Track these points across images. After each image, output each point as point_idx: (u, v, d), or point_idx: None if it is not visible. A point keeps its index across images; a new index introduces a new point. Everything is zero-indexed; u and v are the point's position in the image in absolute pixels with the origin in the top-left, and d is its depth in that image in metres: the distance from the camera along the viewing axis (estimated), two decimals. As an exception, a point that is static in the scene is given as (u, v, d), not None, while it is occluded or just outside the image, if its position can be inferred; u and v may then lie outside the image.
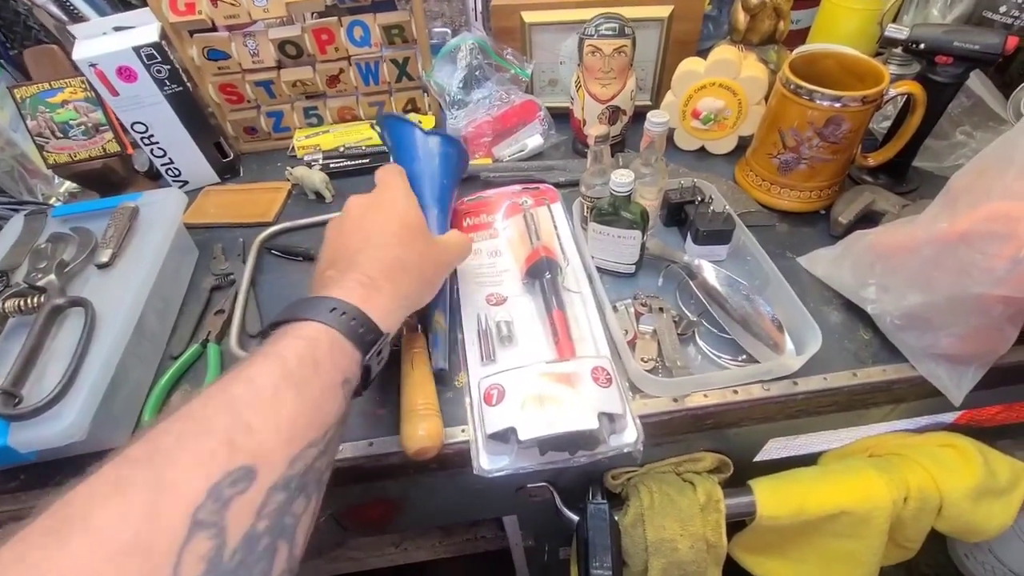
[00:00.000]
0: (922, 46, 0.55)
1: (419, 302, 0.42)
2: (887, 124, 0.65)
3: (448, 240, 0.47)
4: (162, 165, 0.71)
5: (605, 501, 0.51)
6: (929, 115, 0.57)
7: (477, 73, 0.71)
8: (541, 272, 0.53)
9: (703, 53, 0.70)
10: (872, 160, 0.61)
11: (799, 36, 0.77)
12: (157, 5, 0.64)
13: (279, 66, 0.73)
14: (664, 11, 0.67)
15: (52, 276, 0.49)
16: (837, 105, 0.53)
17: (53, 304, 0.47)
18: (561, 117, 0.74)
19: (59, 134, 0.62)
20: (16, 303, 0.47)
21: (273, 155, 0.79)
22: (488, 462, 0.42)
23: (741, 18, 0.66)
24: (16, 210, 0.69)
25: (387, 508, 0.57)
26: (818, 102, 0.54)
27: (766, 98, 0.65)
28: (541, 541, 0.73)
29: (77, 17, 0.79)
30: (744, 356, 0.49)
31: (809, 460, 0.59)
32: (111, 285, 0.51)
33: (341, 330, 0.33)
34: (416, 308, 0.42)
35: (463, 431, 0.46)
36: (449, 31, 0.87)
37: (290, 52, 0.71)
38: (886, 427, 0.57)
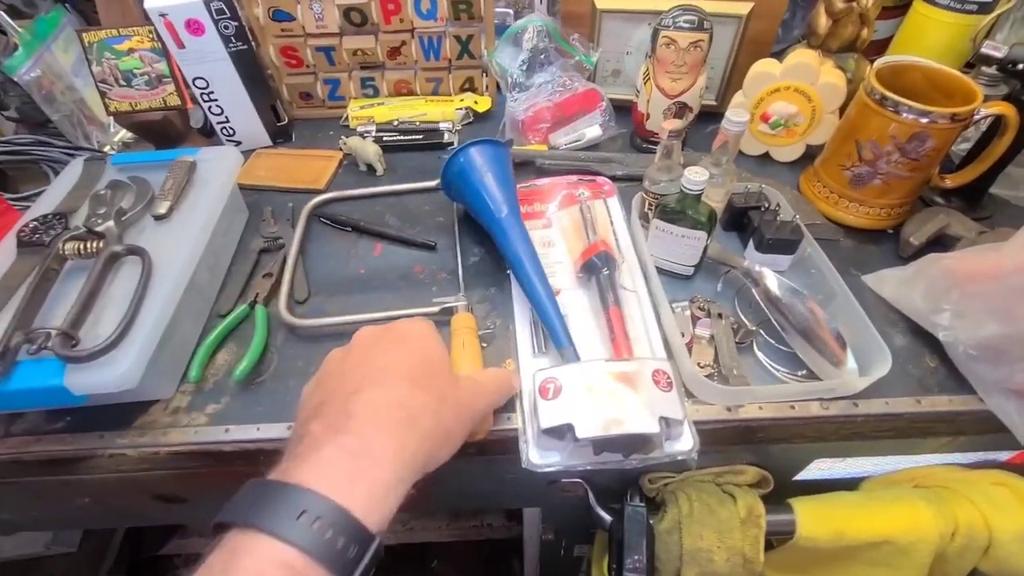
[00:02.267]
0: (1020, 66, 0.52)
1: (429, 464, 0.31)
2: (966, 145, 0.62)
3: (484, 379, 0.38)
4: (218, 123, 0.70)
5: (643, 504, 0.50)
6: (1018, 139, 0.54)
7: (541, 57, 0.70)
8: (598, 267, 0.52)
9: (774, 56, 0.68)
10: (950, 181, 0.58)
11: (877, 47, 0.74)
12: (229, -40, 0.63)
13: (341, 33, 0.72)
14: (744, 7, 0.65)
15: (111, 223, 0.49)
16: (924, 120, 0.51)
17: (111, 251, 0.47)
18: (621, 109, 0.72)
19: (122, 82, 0.62)
20: (76, 246, 0.47)
21: (326, 123, 0.78)
22: (539, 456, 0.41)
23: (823, 22, 0.64)
24: (72, 155, 0.69)
25: (419, 486, 0.56)
26: (904, 115, 0.51)
27: (841, 108, 0.63)
28: (561, 536, 0.72)
29: (145, -34, 0.79)
30: (803, 371, 0.47)
31: (850, 484, 0.57)
32: (167, 237, 0.51)
33: (312, 552, 0.23)
34: (426, 471, 0.31)
35: (508, 419, 0.45)
36: (511, 12, 0.86)
37: (354, 19, 0.70)
38: (937, 459, 0.55)
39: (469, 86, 0.78)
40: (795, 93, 0.63)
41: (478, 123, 0.77)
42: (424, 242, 0.60)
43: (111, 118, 0.73)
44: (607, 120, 0.70)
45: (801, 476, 0.56)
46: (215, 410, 0.47)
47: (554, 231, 0.60)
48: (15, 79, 0.63)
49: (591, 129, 0.70)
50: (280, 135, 0.74)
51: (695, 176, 0.46)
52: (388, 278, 0.57)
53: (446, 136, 0.73)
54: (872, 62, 0.60)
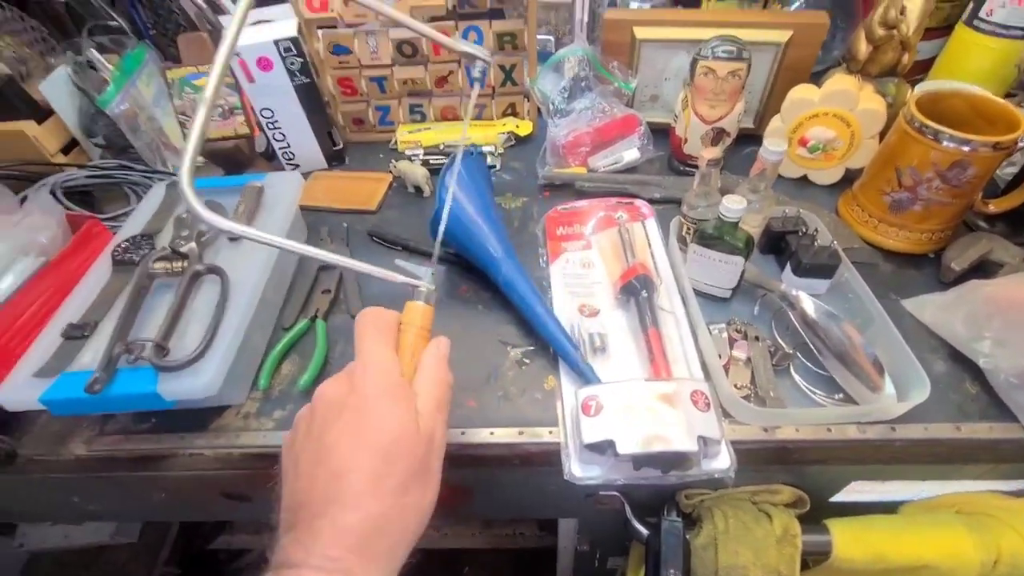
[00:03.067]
0: (1067, 93, 0.52)
1: (412, 543, 0.31)
2: (1012, 170, 0.62)
3: (432, 401, 0.34)
4: (280, 148, 0.76)
5: (680, 519, 0.51)
6: (1066, 166, 0.54)
7: (582, 84, 0.73)
8: (637, 289, 0.54)
9: (812, 78, 0.69)
10: (993, 207, 0.58)
11: (920, 67, 0.74)
12: (295, 1, 0.69)
13: (393, 64, 0.77)
14: (783, 36, 0.66)
15: (193, 244, 0.55)
16: (965, 149, 0.51)
17: (194, 270, 0.52)
18: (659, 132, 0.74)
19: (199, 113, 0.68)
20: (164, 266, 0.53)
21: (376, 146, 0.83)
22: (580, 470, 0.43)
23: (863, 48, 0.65)
24: (150, 178, 0.76)
25: (461, 494, 0.59)
26: (944, 144, 0.52)
27: (881, 133, 0.64)
28: (595, 547, 0.74)
29: (217, 7, 0.86)
30: (840, 395, 0.48)
31: (888, 508, 0.57)
32: (240, 256, 0.56)
33: None
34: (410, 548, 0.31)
35: (550, 432, 0.48)
36: (552, 39, 0.89)
37: (406, 52, 0.75)
38: (978, 485, 0.54)
39: (511, 111, 0.82)
40: (834, 119, 0.64)
41: (520, 146, 0.81)
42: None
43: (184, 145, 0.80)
44: (645, 143, 0.72)
45: (838, 498, 0.57)
46: (281, 416, 0.51)
47: (593, 252, 0.62)
48: (107, 111, 0.70)
49: (629, 152, 0.73)
50: (335, 158, 0.80)
51: (733, 204, 0.48)
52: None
53: (489, 159, 0.77)
54: (913, 85, 0.61)
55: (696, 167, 0.71)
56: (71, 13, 0.97)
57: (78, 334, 0.48)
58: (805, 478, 0.53)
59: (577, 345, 0.51)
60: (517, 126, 0.80)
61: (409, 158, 0.76)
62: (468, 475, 0.55)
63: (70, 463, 0.51)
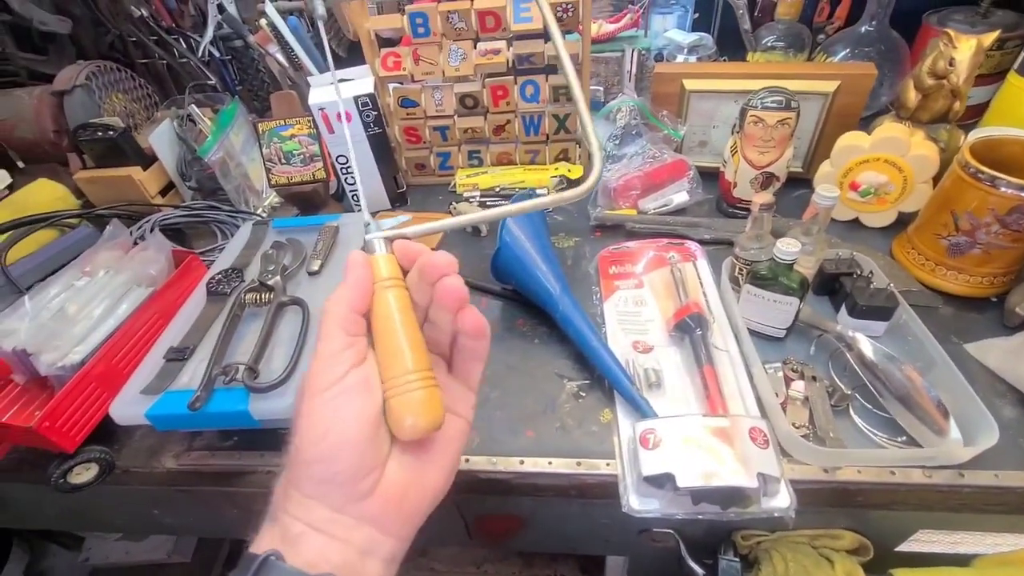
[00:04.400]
0: None
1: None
2: (1077, 214, 0.61)
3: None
4: (350, 191, 0.83)
5: (738, 560, 0.51)
6: None
7: (633, 132, 0.77)
8: (691, 327, 0.56)
9: (861, 123, 0.70)
10: (1058, 251, 0.57)
11: (972, 112, 0.74)
12: (372, 62, 0.77)
13: (455, 115, 0.83)
14: (830, 86, 0.69)
15: (278, 278, 0.60)
16: (1024, 194, 0.52)
17: (279, 301, 0.58)
18: (707, 176, 0.77)
19: (283, 161, 0.75)
20: (254, 297, 0.58)
21: (435, 189, 0.90)
22: (639, 503, 0.44)
23: (912, 96, 0.66)
24: (235, 217, 0.84)
25: (515, 523, 0.61)
26: (1002, 189, 0.53)
27: (934, 177, 0.64)
28: (645, 590, 0.73)
29: (298, 66, 0.96)
30: (903, 438, 0.48)
31: (960, 561, 0.55)
32: (319, 289, 0.61)
33: None
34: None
35: (607, 464, 0.49)
36: (602, 89, 0.95)
37: (468, 104, 0.81)
38: (1060, 542, 0.52)
39: (564, 156, 0.86)
40: (885, 164, 0.65)
41: (571, 188, 0.85)
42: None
43: (264, 186, 0.88)
44: (694, 187, 0.75)
45: (904, 547, 0.55)
46: (351, 439, 0.55)
47: (645, 291, 0.65)
48: (205, 160, 0.79)
49: (679, 195, 0.75)
50: (398, 200, 0.86)
51: (787, 247, 0.50)
52: (494, 328, 0.64)
53: (542, 201, 0.81)
54: (967, 131, 0.62)
55: (745, 210, 0.73)
56: (171, 72, 1.10)
57: (178, 357, 0.54)
58: (868, 524, 0.52)
59: (632, 379, 0.53)
60: (569, 170, 0.85)
61: (467, 200, 0.81)
62: (525, 504, 0.57)
63: (161, 475, 0.55)
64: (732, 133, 0.71)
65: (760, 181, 0.69)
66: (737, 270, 0.60)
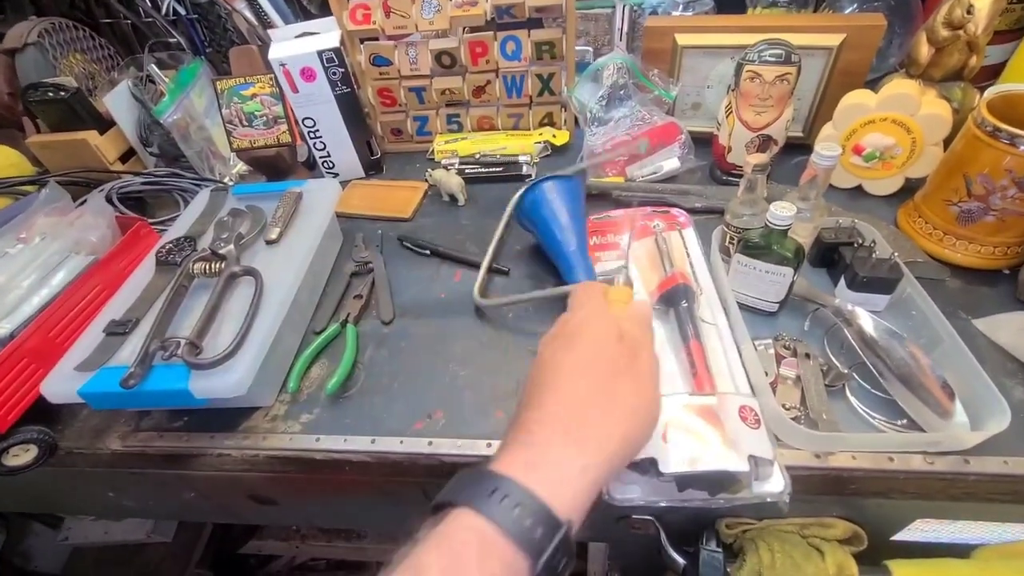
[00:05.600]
0: None
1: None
2: (1100, 179, 0.56)
3: (635, 330, 0.35)
4: (320, 157, 0.78)
5: (720, 551, 0.47)
6: None
7: (621, 92, 0.71)
8: (677, 299, 0.51)
9: (867, 87, 0.65)
10: (1080, 219, 0.52)
11: (988, 73, 0.69)
12: (339, 14, 0.71)
13: (432, 75, 0.78)
14: (835, 40, 0.63)
15: (231, 246, 0.56)
16: (1047, 153, 0.47)
17: (231, 271, 0.53)
18: (700, 142, 0.72)
19: (245, 123, 0.70)
20: (203, 266, 0.54)
21: (413, 156, 0.84)
22: (618, 490, 0.41)
23: (924, 51, 0.61)
24: (200, 185, 0.79)
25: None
26: (1022, 148, 0.47)
27: (946, 140, 0.59)
28: (626, 575, 0.70)
29: (267, 23, 0.90)
30: (904, 421, 0.44)
31: (959, 551, 0.51)
32: (276, 260, 0.56)
33: (510, 532, 0.25)
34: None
35: (582, 448, 0.45)
36: (591, 50, 0.89)
37: (445, 62, 0.75)
38: (1069, 532, 0.48)
39: (548, 121, 0.81)
40: (892, 125, 0.60)
41: (556, 156, 0.80)
42: (499, 268, 0.63)
43: (233, 153, 0.83)
44: (686, 153, 0.70)
45: (900, 536, 0.51)
46: (308, 420, 0.51)
47: (629, 263, 0.60)
48: (161, 121, 0.74)
49: (669, 162, 0.70)
50: (373, 167, 0.81)
51: (781, 211, 0.45)
52: (466, 302, 0.60)
53: (524, 168, 0.76)
54: (982, 91, 0.57)
55: (740, 177, 0.68)
56: (136, 33, 1.04)
57: (120, 330, 0.50)
58: (862, 512, 0.48)
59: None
60: (554, 136, 0.80)
61: (445, 167, 0.76)
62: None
63: (106, 457, 0.52)
64: (728, 92, 0.66)
65: (756, 145, 0.64)
66: (728, 239, 0.55)
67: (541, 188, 0.58)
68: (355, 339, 0.56)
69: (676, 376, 0.48)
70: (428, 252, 0.67)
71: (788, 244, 0.48)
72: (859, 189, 0.66)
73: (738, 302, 0.52)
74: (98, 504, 0.69)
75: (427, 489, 0.54)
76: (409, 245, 0.68)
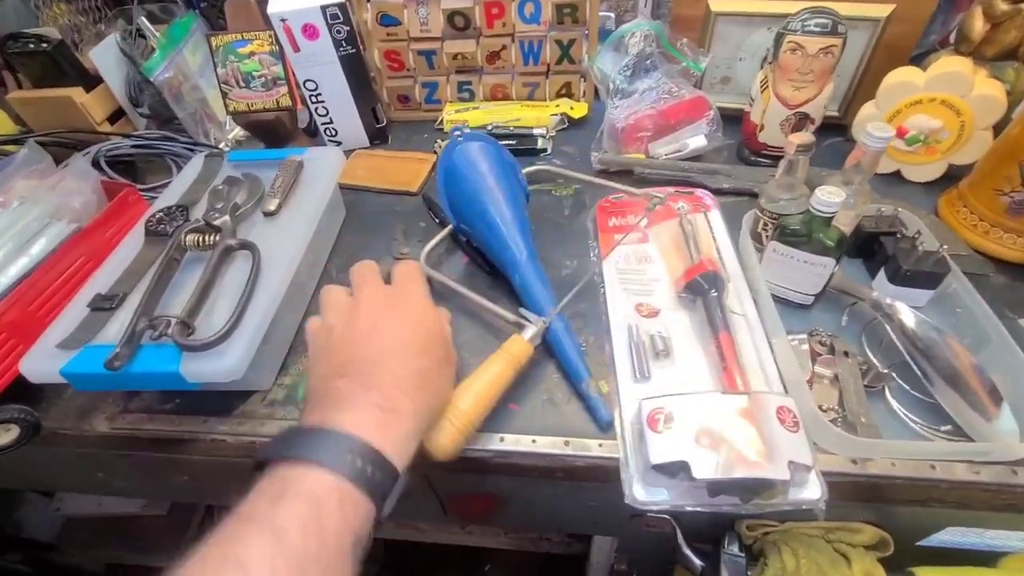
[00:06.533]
0: None
1: (433, 417, 0.37)
2: None
3: (447, 329, 0.41)
4: (322, 124, 0.73)
5: (743, 555, 0.45)
6: None
7: (647, 63, 0.66)
8: (704, 288, 0.48)
9: (912, 62, 0.60)
10: None
11: (1042, 54, 0.64)
12: (344, -33, 0.65)
13: (443, 37, 0.72)
14: (883, 10, 0.58)
15: (227, 217, 0.52)
16: (1117, 141, 0.43)
17: (226, 244, 0.49)
18: (728, 120, 0.67)
19: (242, 84, 0.65)
20: (196, 238, 0.50)
21: (421, 126, 0.79)
22: (644, 492, 0.38)
23: (978, 26, 0.56)
24: (193, 150, 0.74)
25: (493, 502, 0.55)
26: (1090, 135, 0.44)
27: (996, 125, 0.55)
28: (634, 568, 0.68)
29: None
30: (948, 426, 0.41)
31: (983, 558, 0.49)
32: (275, 233, 0.52)
33: (354, 480, 0.28)
34: (430, 427, 0.36)
35: (600, 445, 0.43)
36: (612, 16, 0.83)
37: (458, 24, 0.70)
38: (1106, 543, 0.46)
39: (566, 92, 0.76)
40: (941, 106, 0.55)
41: (573, 129, 0.75)
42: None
43: (228, 117, 0.78)
44: (714, 130, 0.66)
45: (925, 542, 0.49)
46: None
47: (651, 246, 0.56)
48: (151, 79, 0.69)
49: (695, 139, 0.66)
50: (378, 137, 0.76)
51: (829, 197, 0.41)
52: (479, 288, 0.56)
53: (539, 142, 0.72)
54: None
55: (771, 158, 0.64)
56: (126, -17, 0.97)
57: (106, 305, 0.46)
58: (892, 518, 0.46)
59: (588, 372, 0.45)
60: (571, 108, 0.75)
61: (455, 138, 0.72)
62: (504, 484, 0.51)
63: (92, 439, 0.49)
64: (763, 65, 0.61)
65: (792, 123, 0.60)
66: (761, 224, 0.51)
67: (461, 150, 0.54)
68: None
69: (703, 370, 0.45)
70: (438, 221, 0.63)
71: (831, 233, 0.44)
72: (896, 175, 0.62)
73: (771, 293, 0.49)
74: (87, 484, 0.66)
75: (430, 478, 0.52)
76: (431, 209, 0.64)
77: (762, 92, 0.60)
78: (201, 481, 0.56)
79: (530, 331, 0.43)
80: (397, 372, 0.34)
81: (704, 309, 0.47)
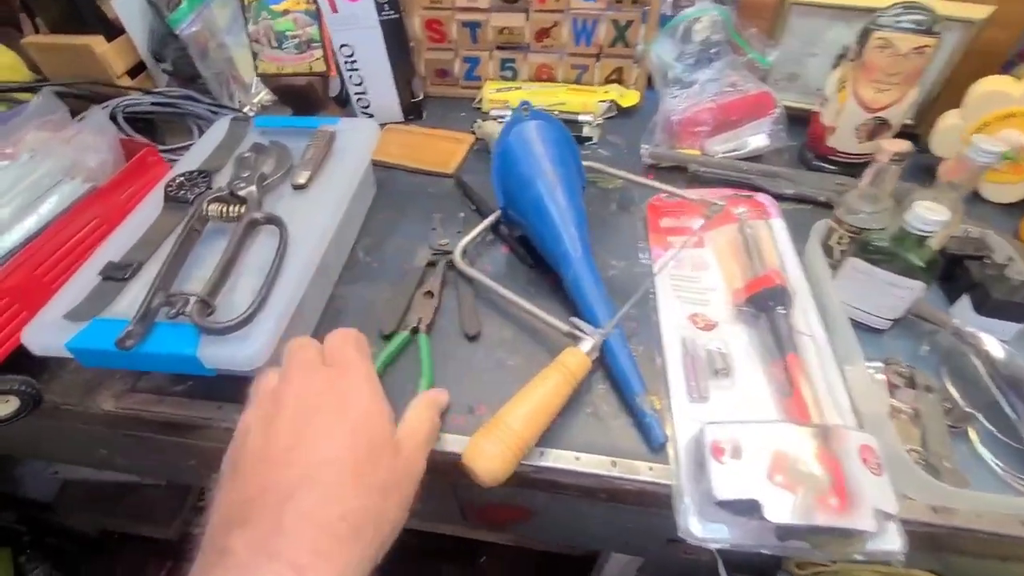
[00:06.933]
0: None
1: (376, 562, 0.28)
2: None
3: (420, 429, 0.33)
4: (355, 94, 0.68)
5: (795, 597, 0.42)
6: None
7: (713, 52, 0.61)
8: (770, 304, 0.44)
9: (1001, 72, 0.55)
10: None
11: None
12: (392, -76, 0.60)
13: (490, 9, 0.67)
14: (982, 12, 0.53)
15: (253, 188, 0.48)
16: None
17: (251, 217, 0.45)
18: (792, 120, 0.62)
19: (274, 44, 0.60)
20: (219, 208, 0.46)
21: (457, 103, 0.75)
22: (701, 528, 0.34)
23: (1087, 35, 0.51)
24: (216, 112, 0.70)
25: (520, 514, 0.52)
26: None
27: (1099, 144, 0.50)
28: (654, 587, 0.65)
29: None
30: (1042, 478, 0.37)
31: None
32: (303, 208, 0.48)
33: None
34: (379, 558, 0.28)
35: (650, 469, 0.39)
36: (670, 0, 0.77)
37: (508, -5, 0.65)
38: None
39: (616, 77, 0.71)
40: (1039, 121, 0.50)
41: (621, 118, 0.70)
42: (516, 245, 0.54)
43: (254, 79, 0.73)
44: (777, 129, 0.61)
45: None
46: (330, 398, 0.44)
47: (707, 251, 0.52)
48: (176, 32, 0.64)
49: (756, 138, 0.61)
50: (412, 111, 0.71)
51: (930, 214, 0.37)
52: (515, 275, 0.52)
53: (586, 130, 0.67)
54: None
55: (838, 164, 0.59)
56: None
57: (119, 275, 0.42)
58: (958, 569, 0.42)
59: (643, 387, 0.41)
60: (621, 95, 0.70)
61: (496, 119, 0.67)
62: (538, 499, 0.47)
63: (97, 416, 0.45)
64: (836, 64, 0.56)
65: (869, 129, 0.55)
66: (836, 237, 0.47)
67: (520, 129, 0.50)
68: (429, 355, 0.45)
69: (765, 394, 0.41)
70: (474, 207, 0.59)
71: (923, 253, 0.40)
72: (974, 194, 0.58)
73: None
74: (87, 458, 0.63)
75: (457, 487, 0.48)
76: (465, 191, 0.60)
77: (838, 92, 0.55)
78: (211, 466, 0.52)
79: (588, 343, 0.40)
80: (320, 516, 0.25)
81: (769, 326, 0.43)
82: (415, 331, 0.46)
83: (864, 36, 0.52)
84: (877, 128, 0.55)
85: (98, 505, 1.15)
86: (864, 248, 0.42)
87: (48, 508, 1.16)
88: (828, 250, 0.48)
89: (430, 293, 0.49)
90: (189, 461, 0.53)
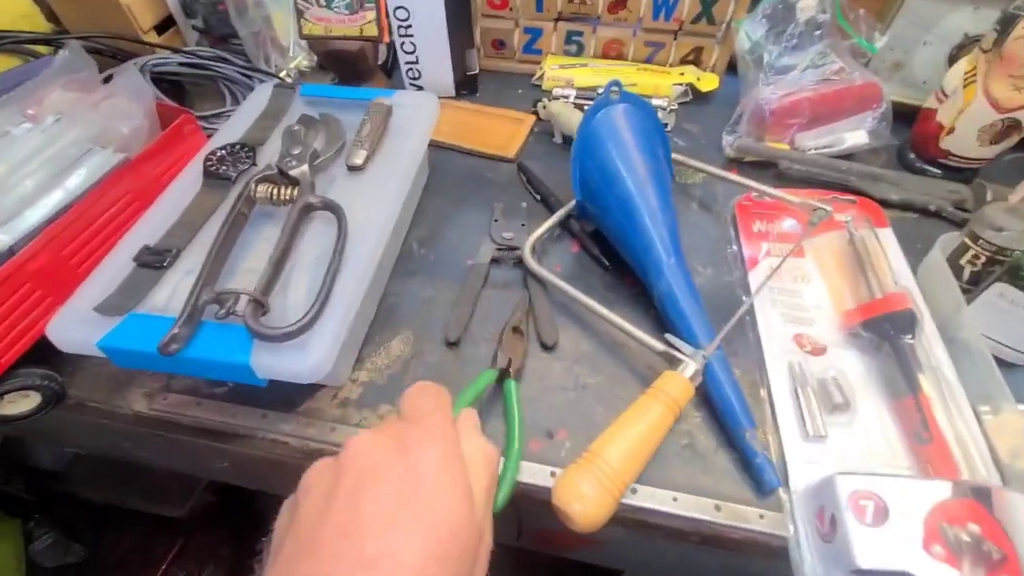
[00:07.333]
0: None
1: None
2: None
3: (485, 492, 0.26)
4: (405, 63, 0.62)
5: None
6: None
7: (817, 33, 0.54)
8: (895, 331, 0.38)
9: None
10: None
11: None
12: None
13: (561, -26, 0.60)
14: None
15: (305, 167, 0.42)
16: None
17: (306, 201, 0.40)
18: (896, 115, 0.56)
19: (323, 2, 0.54)
20: (268, 190, 0.40)
21: (514, 79, 0.68)
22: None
23: None
24: (249, 76, 0.64)
25: (587, 543, 0.47)
26: None
27: None
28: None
29: None
30: None
31: None
32: (359, 192, 0.42)
33: None
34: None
35: (761, 517, 0.34)
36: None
37: (583, -41, 0.58)
38: None
39: (693, 58, 0.64)
40: None
41: (697, 104, 0.64)
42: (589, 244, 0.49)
43: (292, 42, 0.67)
44: (881, 125, 0.54)
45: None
46: (388, 412, 0.39)
47: (808, 262, 0.47)
48: (212, -16, 0.58)
49: (855, 134, 0.55)
50: (466, 86, 0.65)
51: (1120, 240, 0.31)
52: (590, 278, 0.47)
53: (659, 115, 0.60)
54: None
55: (951, 169, 0.53)
56: None
57: (155, 262, 0.37)
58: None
59: (753, 421, 0.36)
60: (699, 79, 0.63)
61: (561, 99, 0.61)
62: (617, 534, 0.42)
63: (126, 417, 0.41)
64: (950, 54, 0.49)
65: (998, 130, 0.48)
66: (970, 256, 0.41)
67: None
68: (519, 405, 0.37)
69: (892, 435, 0.36)
70: (538, 198, 0.53)
71: (1094, 284, 0.34)
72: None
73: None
74: (109, 449, 0.59)
75: (523, 516, 0.44)
76: (527, 179, 0.54)
77: (964, 87, 0.49)
78: (245, 470, 0.48)
79: (690, 367, 0.34)
80: None
81: (895, 358, 0.38)
82: (504, 374, 0.38)
83: (1005, 23, 0.45)
84: (1006, 130, 0.49)
85: (107, 480, 1.12)
86: (1016, 274, 0.36)
87: (56, 477, 1.14)
88: (959, 270, 0.42)
89: (519, 331, 0.41)
90: (222, 463, 0.48)
